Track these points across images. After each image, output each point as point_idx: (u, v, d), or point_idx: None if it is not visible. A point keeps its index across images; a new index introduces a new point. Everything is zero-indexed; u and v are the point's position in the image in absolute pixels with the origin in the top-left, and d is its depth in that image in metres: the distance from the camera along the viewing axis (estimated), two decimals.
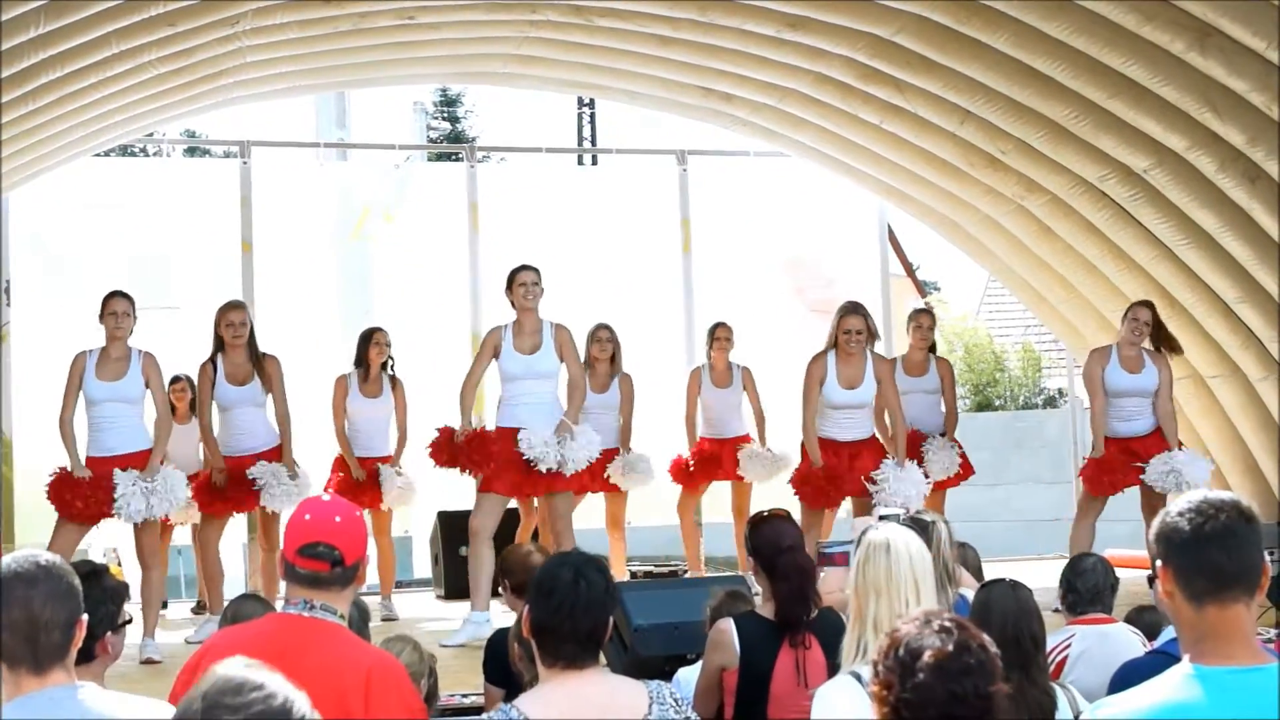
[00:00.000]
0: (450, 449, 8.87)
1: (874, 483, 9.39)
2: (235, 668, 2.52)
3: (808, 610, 5.00)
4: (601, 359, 10.77)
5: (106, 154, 12.63)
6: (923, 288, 32.33)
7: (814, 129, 12.01)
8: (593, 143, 28.51)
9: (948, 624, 2.84)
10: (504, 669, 5.49)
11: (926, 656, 2.79)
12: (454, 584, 11.17)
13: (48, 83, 9.21)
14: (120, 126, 11.13)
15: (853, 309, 9.54)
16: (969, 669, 2.79)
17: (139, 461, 8.64)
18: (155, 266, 12.28)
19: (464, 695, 6.57)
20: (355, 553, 3.70)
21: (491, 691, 5.59)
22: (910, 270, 30.06)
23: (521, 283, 8.88)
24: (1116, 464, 9.68)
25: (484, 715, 3.72)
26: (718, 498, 11.58)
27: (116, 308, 8.71)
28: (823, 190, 13.67)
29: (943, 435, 10.54)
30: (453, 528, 11.29)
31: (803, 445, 9.63)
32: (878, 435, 9.82)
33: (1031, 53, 9.73)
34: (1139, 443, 9.73)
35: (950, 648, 2.79)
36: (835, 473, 9.50)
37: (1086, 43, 9.40)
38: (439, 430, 9.00)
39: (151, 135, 13.50)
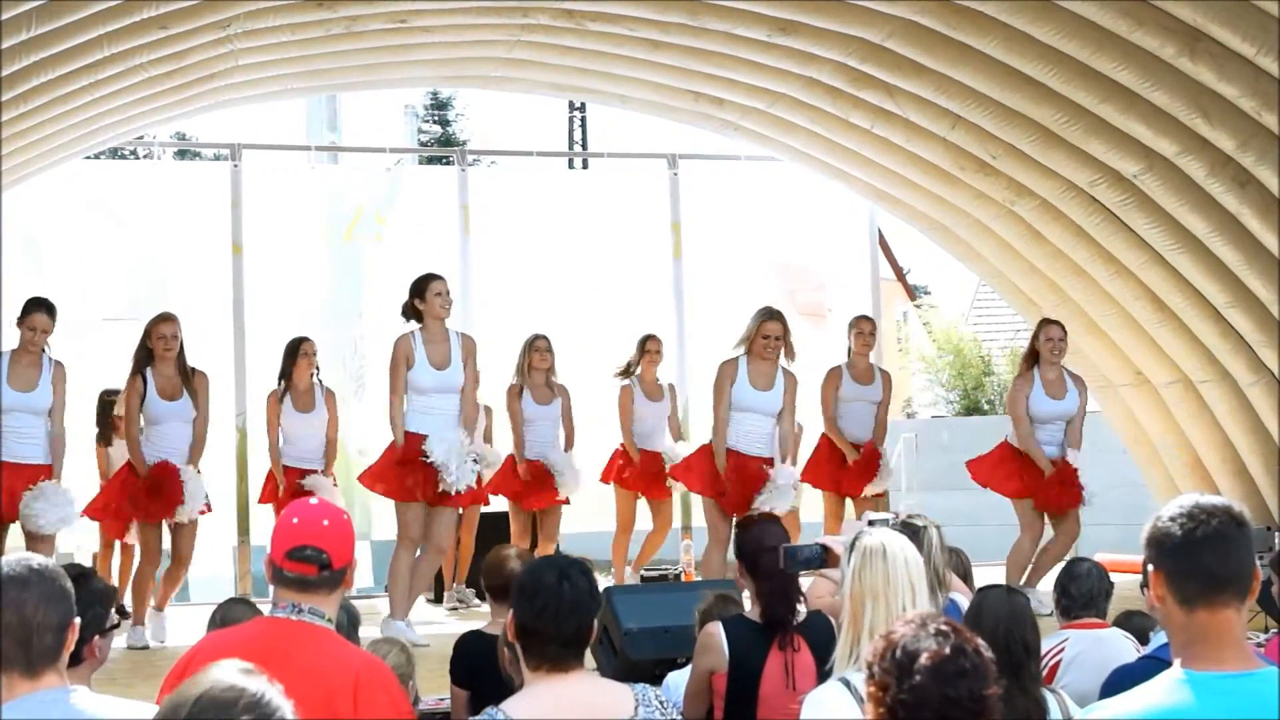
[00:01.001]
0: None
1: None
2: (229, 673, 2.52)
3: (791, 609, 5.01)
4: (541, 368, 10.79)
5: (97, 156, 12.62)
6: (913, 291, 32.40)
7: (804, 133, 12.01)
8: (584, 147, 28.54)
9: (944, 627, 2.86)
10: (470, 671, 5.49)
11: (923, 659, 2.80)
12: (440, 588, 11.22)
13: (39, 85, 9.20)
14: (112, 129, 11.11)
15: (773, 314, 9.52)
16: (964, 672, 2.80)
17: (46, 473, 8.71)
18: (145, 269, 12.27)
19: (440, 698, 6.56)
20: (343, 556, 3.70)
21: (456, 693, 5.59)
22: (900, 274, 30.09)
23: (437, 291, 8.91)
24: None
25: (469, 719, 3.71)
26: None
27: (36, 323, 8.76)
28: (813, 194, 13.69)
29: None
30: None
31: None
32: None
33: (1022, 57, 9.74)
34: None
35: (946, 650, 2.81)
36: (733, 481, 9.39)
37: (1077, 47, 9.41)
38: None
39: (142, 138, 13.48)
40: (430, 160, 27.24)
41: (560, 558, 3.79)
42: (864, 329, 10.91)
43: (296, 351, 10.34)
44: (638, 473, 11.19)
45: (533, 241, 13.04)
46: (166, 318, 9.51)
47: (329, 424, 10.37)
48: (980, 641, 2.86)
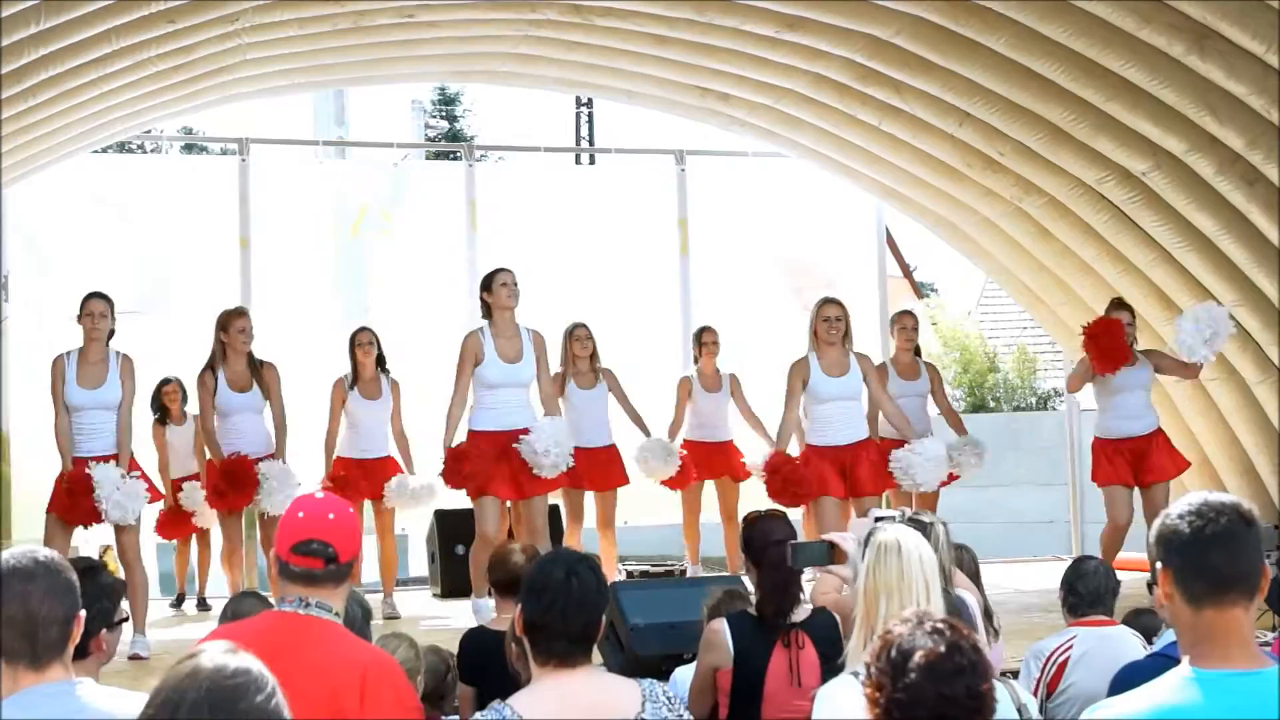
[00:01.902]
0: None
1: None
2: (221, 657, 2.52)
3: (789, 603, 5.01)
4: (583, 356, 10.79)
5: (104, 150, 12.62)
6: (920, 289, 32.38)
7: (812, 129, 12.01)
8: (590, 142, 28.51)
9: (940, 625, 2.86)
10: (476, 667, 5.50)
11: (918, 657, 2.80)
12: (450, 582, 11.18)
13: (46, 79, 9.21)
14: (119, 123, 11.12)
15: (830, 299, 9.53)
16: (960, 669, 2.80)
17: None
18: (153, 264, 12.28)
19: None
20: (349, 550, 3.70)
21: (463, 689, 5.59)
22: (907, 271, 30.07)
23: (503, 282, 8.90)
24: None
25: (475, 715, 3.70)
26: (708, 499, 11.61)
27: (94, 309, 8.71)
28: (820, 191, 13.67)
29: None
30: (449, 526, 11.30)
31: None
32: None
33: (1030, 54, 9.73)
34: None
35: (942, 648, 2.81)
36: (810, 473, 9.37)
37: (1085, 45, 9.40)
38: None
39: (150, 132, 13.49)
40: (437, 155, 27.27)
41: (568, 553, 3.79)
42: (906, 324, 10.87)
43: (354, 342, 10.45)
44: (700, 463, 11.18)
45: (540, 237, 13.03)
46: (241, 311, 9.66)
47: (393, 414, 10.40)
48: (978, 639, 2.87)
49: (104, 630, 4.07)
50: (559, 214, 13.36)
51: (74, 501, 8.53)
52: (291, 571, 3.66)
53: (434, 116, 39.18)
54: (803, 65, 10.93)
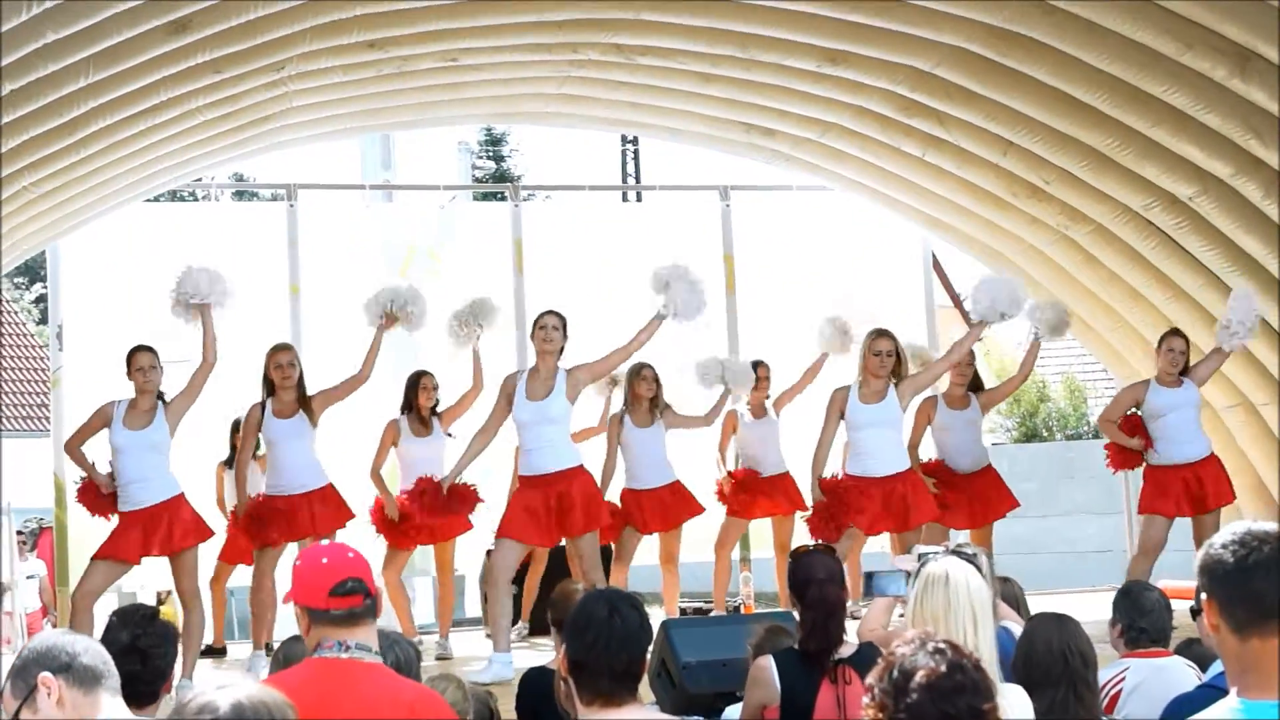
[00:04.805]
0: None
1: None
2: (229, 696, 2.55)
3: (829, 643, 5.01)
4: (645, 396, 10.79)
5: (156, 199, 12.76)
6: (969, 318, 32.25)
7: (856, 162, 12.03)
8: (636, 179, 28.57)
9: (940, 645, 2.88)
10: (533, 707, 5.51)
11: (919, 676, 2.82)
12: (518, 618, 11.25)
13: (97, 130, 9.34)
14: (169, 172, 11.26)
15: (883, 331, 9.52)
16: (961, 687, 2.82)
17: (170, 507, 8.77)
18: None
19: None
20: (372, 585, 3.79)
21: None
22: (957, 300, 29.91)
23: (540, 325, 8.93)
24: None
25: None
26: (761, 533, 11.58)
27: (143, 362, 8.82)
28: (866, 223, 13.66)
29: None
30: None
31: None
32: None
33: (1072, 82, 9.73)
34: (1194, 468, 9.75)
35: (943, 668, 2.83)
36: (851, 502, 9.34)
37: (1127, 71, 9.40)
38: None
39: (200, 180, 13.63)
40: (484, 196, 27.39)
41: (611, 591, 3.81)
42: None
43: (417, 384, 10.56)
44: (749, 496, 11.20)
45: (586, 275, 13.06)
46: (283, 347, 9.73)
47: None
48: (980, 658, 2.88)
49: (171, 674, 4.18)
50: (605, 252, 13.39)
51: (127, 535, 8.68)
52: (333, 615, 3.70)
53: (480, 157, 39.44)
54: (846, 99, 10.95)
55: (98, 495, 8.92)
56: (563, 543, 9.39)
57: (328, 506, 9.40)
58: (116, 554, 8.70)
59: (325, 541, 3.98)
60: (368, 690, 3.60)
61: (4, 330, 29.98)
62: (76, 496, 9.09)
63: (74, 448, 9.02)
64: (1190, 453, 9.77)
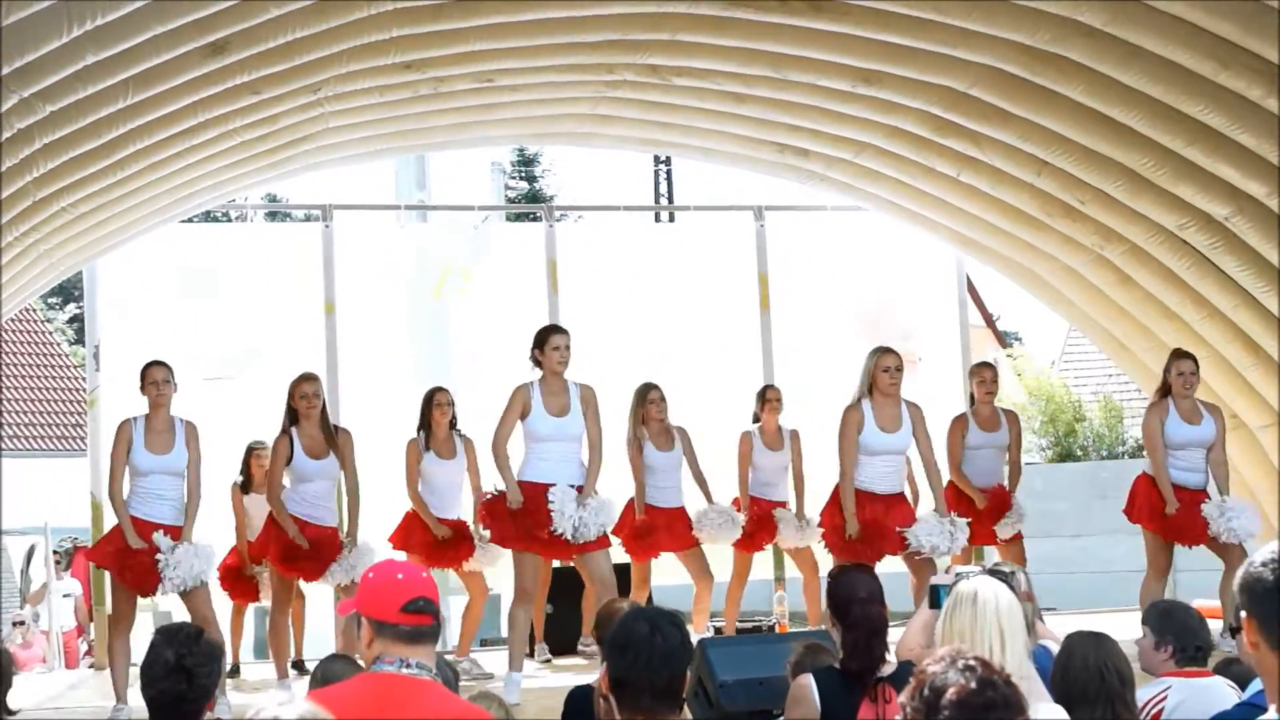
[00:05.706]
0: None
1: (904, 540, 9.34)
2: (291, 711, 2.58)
3: (871, 662, 5.00)
4: (657, 419, 10.82)
5: (192, 220, 12.84)
6: (1003, 338, 32.21)
7: (890, 182, 12.03)
8: (670, 199, 28.64)
9: (971, 662, 2.89)
10: None
11: (950, 693, 2.83)
12: (533, 641, 11.24)
13: (135, 151, 9.41)
14: (206, 193, 11.33)
15: (887, 348, 9.52)
16: (992, 703, 2.83)
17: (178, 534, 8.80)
18: (241, 331, 12.46)
19: None
20: (438, 607, 3.81)
21: None
22: (990, 321, 29.88)
23: (555, 346, 8.93)
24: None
25: None
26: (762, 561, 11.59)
27: (156, 376, 8.87)
28: (900, 242, 13.66)
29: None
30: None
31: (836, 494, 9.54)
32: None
33: (1107, 102, 9.72)
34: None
35: (973, 685, 2.84)
36: (869, 529, 9.35)
37: (1162, 91, 9.38)
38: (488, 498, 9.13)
39: (235, 201, 13.72)
40: (518, 216, 27.49)
41: (652, 609, 3.82)
42: (985, 376, 10.97)
43: (431, 401, 10.51)
44: (764, 522, 11.22)
45: (620, 295, 13.10)
46: (307, 377, 9.68)
47: (470, 473, 10.47)
48: (1010, 673, 2.89)
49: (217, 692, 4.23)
50: (639, 272, 13.43)
51: (132, 566, 8.68)
52: (401, 631, 3.72)
53: (514, 177, 39.57)
54: (880, 119, 10.96)
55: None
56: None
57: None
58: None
59: (401, 559, 4.01)
60: (423, 707, 3.63)
61: (23, 348, 30.01)
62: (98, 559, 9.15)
63: (116, 494, 8.86)
64: (1190, 481, 9.90)
